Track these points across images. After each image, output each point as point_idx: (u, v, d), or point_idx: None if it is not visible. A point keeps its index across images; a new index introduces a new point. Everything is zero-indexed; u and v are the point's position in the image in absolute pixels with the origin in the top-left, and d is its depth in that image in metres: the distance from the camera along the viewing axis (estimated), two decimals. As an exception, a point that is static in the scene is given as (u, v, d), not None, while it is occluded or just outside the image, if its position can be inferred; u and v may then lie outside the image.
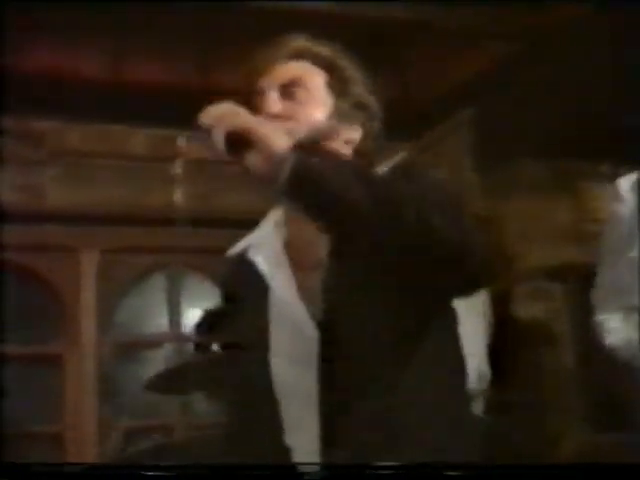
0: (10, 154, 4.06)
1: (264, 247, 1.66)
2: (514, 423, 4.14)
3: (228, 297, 1.72)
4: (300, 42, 1.65)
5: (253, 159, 1.37)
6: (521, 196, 4.32)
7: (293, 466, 1.50)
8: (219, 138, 1.39)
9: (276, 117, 1.56)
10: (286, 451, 1.53)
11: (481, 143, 4.24)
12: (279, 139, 1.37)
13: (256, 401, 1.59)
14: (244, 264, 1.66)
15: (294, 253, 1.63)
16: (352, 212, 1.36)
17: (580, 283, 4.97)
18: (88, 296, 4.39)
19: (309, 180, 1.35)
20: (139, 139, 4.52)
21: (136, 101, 4.12)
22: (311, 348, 1.53)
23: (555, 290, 4.42)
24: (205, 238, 3.37)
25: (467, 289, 1.52)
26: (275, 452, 1.53)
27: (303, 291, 1.58)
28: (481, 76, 4.23)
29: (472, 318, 1.58)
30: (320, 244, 1.56)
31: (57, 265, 4.37)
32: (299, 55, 1.64)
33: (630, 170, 2.54)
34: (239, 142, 1.38)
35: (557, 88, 4.15)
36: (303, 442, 1.52)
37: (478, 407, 1.62)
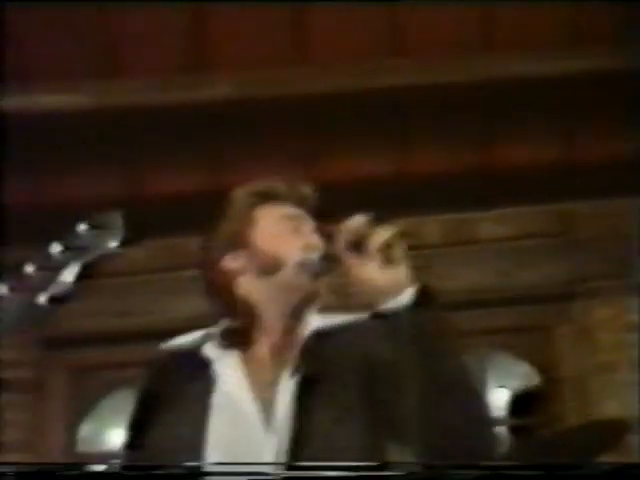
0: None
1: (217, 345, 1.74)
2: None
3: (160, 393, 1.73)
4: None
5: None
6: None
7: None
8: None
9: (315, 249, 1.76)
10: None
11: None
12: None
13: None
14: (191, 359, 1.72)
15: (251, 367, 1.71)
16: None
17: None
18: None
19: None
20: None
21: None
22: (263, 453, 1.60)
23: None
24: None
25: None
26: None
27: (259, 400, 1.67)
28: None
29: None
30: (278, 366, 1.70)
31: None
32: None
33: None
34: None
35: None
36: None
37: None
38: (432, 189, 3.81)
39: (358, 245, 1.62)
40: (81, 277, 1.07)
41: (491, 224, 4.10)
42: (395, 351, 1.59)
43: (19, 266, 1.05)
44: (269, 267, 1.76)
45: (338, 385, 1.68)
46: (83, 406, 4.14)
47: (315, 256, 1.72)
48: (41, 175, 3.74)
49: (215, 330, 1.78)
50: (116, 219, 1.14)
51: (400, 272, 1.61)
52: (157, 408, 1.69)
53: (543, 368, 3.96)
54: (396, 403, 1.61)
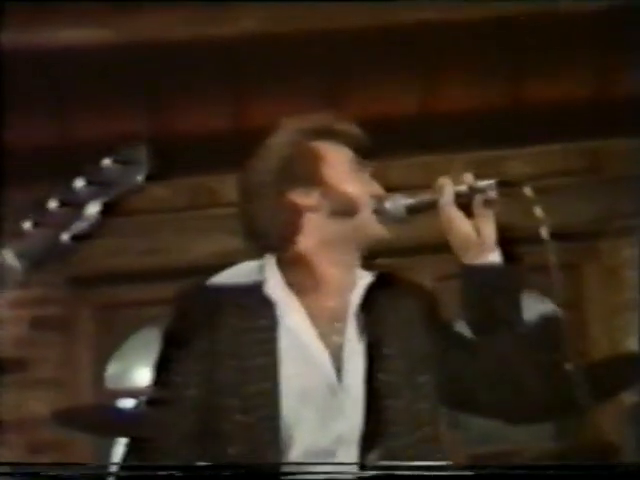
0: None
1: (278, 284, 1.70)
2: None
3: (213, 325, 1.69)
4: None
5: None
6: None
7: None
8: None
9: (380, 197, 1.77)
10: None
11: None
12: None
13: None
14: (252, 296, 1.69)
15: (313, 311, 1.70)
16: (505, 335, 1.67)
17: None
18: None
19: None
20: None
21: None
22: (332, 393, 1.64)
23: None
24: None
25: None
26: None
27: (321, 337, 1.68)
28: None
29: None
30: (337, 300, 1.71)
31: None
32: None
33: None
34: None
35: None
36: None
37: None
38: (458, 126, 3.76)
39: (461, 199, 1.68)
40: (105, 213, 1.05)
41: (518, 162, 4.06)
42: (471, 306, 1.69)
43: (43, 201, 1.05)
44: (346, 209, 1.73)
45: (404, 334, 1.71)
46: (111, 343, 4.19)
47: (395, 202, 1.73)
48: (64, 112, 3.73)
49: (266, 265, 1.74)
50: (141, 153, 1.12)
51: (491, 231, 1.69)
52: (204, 340, 1.66)
53: (570, 306, 3.95)
54: (458, 363, 1.69)
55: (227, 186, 4.00)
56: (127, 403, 3.02)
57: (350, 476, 1.53)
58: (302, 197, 1.73)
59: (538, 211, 1.63)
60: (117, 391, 4.12)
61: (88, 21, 3.41)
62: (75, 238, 1.03)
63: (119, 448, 2.81)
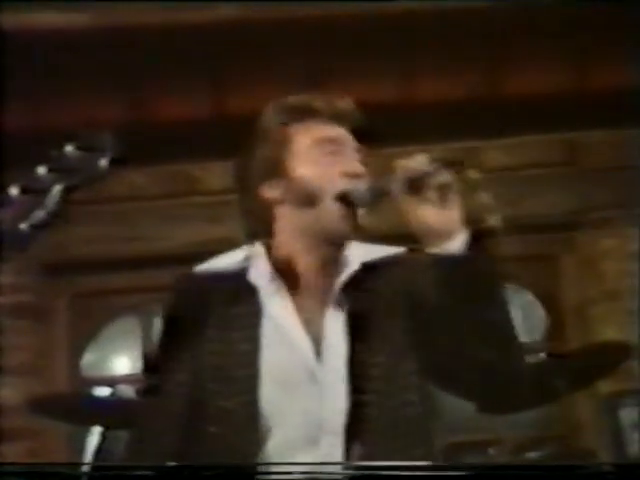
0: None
1: (263, 272, 1.70)
2: None
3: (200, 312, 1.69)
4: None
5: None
6: None
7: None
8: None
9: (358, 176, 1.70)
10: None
11: None
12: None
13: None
14: (236, 283, 1.69)
15: (296, 299, 1.69)
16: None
17: None
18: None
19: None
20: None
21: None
22: (313, 379, 1.62)
23: None
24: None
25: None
26: None
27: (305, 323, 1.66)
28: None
29: None
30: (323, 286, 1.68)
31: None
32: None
33: None
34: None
35: None
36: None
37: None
38: (437, 116, 3.75)
39: (415, 184, 1.57)
40: (67, 199, 1.04)
41: (497, 153, 4.06)
42: (440, 296, 1.59)
43: (5, 188, 1.03)
44: (308, 199, 1.68)
45: (386, 322, 1.67)
46: (88, 331, 4.16)
47: (359, 187, 1.67)
48: (39, 97, 3.69)
49: (255, 252, 1.73)
50: (105, 140, 1.09)
51: (454, 215, 1.57)
52: (194, 326, 1.67)
53: (547, 297, 3.96)
54: (440, 348, 1.62)
55: (207, 174, 4.01)
56: (103, 391, 3.00)
57: (333, 476, 1.49)
58: (269, 190, 1.71)
59: (484, 196, 1.52)
60: (93, 379, 4.11)
61: (65, 5, 3.38)
62: (36, 225, 1.01)
63: (93, 437, 2.81)
